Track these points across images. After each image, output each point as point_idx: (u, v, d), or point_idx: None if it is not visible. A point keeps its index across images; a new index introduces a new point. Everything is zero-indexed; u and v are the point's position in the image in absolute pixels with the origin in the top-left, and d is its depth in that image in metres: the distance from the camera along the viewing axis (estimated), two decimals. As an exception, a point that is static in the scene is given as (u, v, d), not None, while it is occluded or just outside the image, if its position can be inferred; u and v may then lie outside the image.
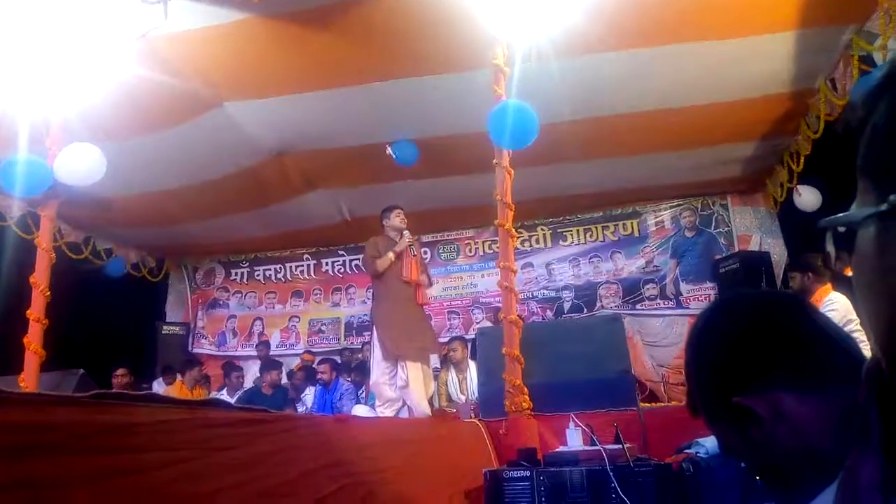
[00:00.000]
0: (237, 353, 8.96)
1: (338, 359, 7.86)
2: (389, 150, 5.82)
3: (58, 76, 4.34)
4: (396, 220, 5.16)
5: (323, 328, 8.85)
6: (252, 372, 8.21)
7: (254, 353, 8.78)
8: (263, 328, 9.06)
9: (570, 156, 6.23)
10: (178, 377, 7.27)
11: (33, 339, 4.27)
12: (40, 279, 4.37)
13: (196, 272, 9.48)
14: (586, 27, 4.20)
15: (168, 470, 0.94)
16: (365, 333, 8.34)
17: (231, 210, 7.35)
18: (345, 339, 8.71)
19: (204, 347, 9.10)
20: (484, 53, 4.17)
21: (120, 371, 6.48)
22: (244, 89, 5.10)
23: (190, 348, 8.98)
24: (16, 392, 0.73)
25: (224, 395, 7.10)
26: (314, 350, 8.60)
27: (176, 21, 4.07)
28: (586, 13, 4.07)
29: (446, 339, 7.06)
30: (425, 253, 8.51)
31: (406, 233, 5.09)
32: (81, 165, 4.49)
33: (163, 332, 8.96)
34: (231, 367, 7.79)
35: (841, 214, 0.47)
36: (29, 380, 4.21)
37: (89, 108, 4.66)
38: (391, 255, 4.98)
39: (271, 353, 8.57)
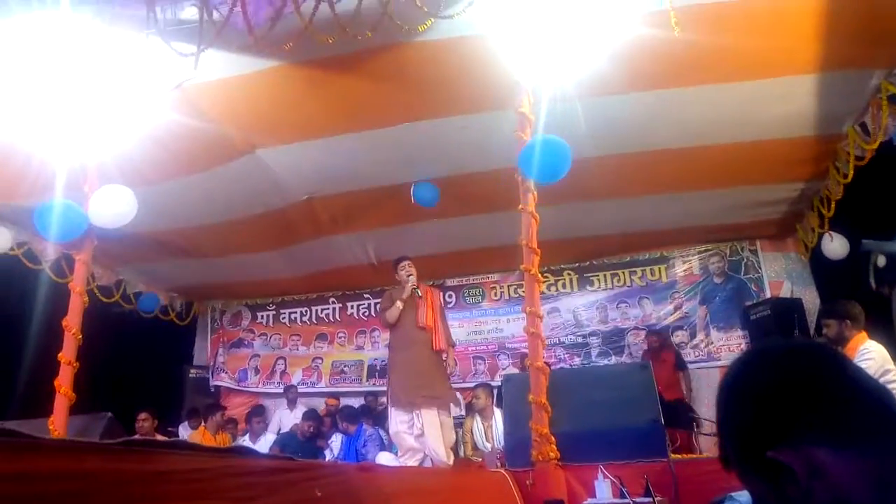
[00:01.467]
0: (257, 390, 9.02)
1: (356, 404, 7.91)
2: (411, 192, 5.92)
3: (95, 123, 4.47)
4: (402, 272, 5.23)
5: (346, 369, 8.86)
6: (276, 414, 8.21)
7: (273, 389, 8.86)
8: (286, 367, 9.08)
9: (595, 193, 6.22)
10: (202, 422, 7.29)
11: (63, 382, 4.30)
12: (73, 322, 4.42)
13: (223, 315, 9.59)
14: (610, 70, 4.24)
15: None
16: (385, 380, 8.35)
17: (259, 248, 7.46)
18: (367, 380, 8.70)
19: (224, 381, 9.16)
20: (509, 95, 4.23)
21: (142, 415, 6.49)
22: (275, 135, 5.23)
23: (210, 382, 9.10)
24: (47, 439, 0.75)
25: (247, 441, 7.11)
26: (338, 391, 8.63)
27: (208, 70, 4.20)
28: (610, 58, 4.12)
29: (472, 385, 7.01)
30: (450, 297, 8.54)
31: (411, 277, 5.12)
32: (113, 206, 4.60)
33: (190, 375, 9.04)
34: (253, 412, 7.81)
35: (886, 242, 0.47)
36: (58, 423, 4.23)
37: (125, 154, 4.80)
38: (399, 303, 5.05)
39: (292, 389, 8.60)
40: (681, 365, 7.18)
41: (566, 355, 7.95)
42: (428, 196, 5.95)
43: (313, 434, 7.14)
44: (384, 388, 8.25)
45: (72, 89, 4.18)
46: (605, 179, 5.90)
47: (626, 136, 5.31)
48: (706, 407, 6.93)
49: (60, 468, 0.74)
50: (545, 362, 3.92)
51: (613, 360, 7.70)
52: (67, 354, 4.35)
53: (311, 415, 7.37)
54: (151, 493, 0.88)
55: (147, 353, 7.83)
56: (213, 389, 9.11)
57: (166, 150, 5.01)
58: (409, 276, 5.20)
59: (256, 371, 9.17)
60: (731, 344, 7.37)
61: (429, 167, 5.79)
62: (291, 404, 8.25)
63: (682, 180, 6.05)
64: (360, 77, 4.53)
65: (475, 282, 8.66)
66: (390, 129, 5.15)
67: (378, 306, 5.35)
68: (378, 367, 8.67)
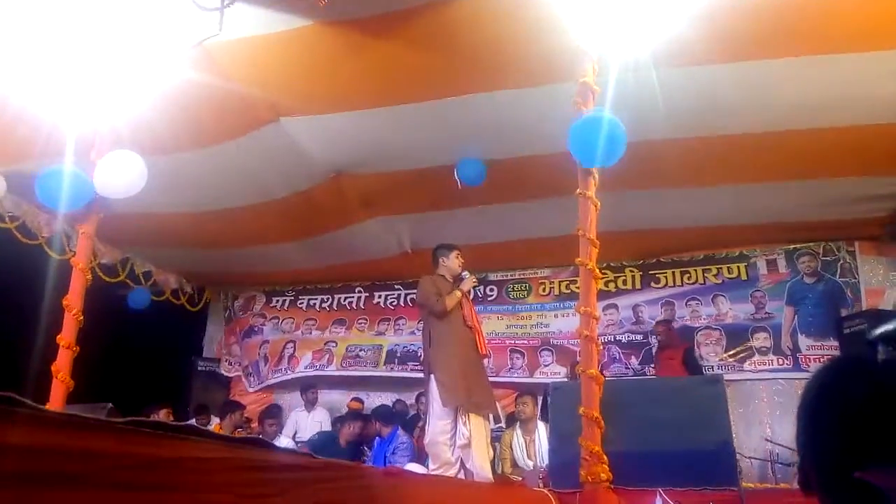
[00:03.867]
0: (268, 383, 9.22)
1: (374, 397, 8.12)
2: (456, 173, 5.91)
3: (108, 84, 4.58)
4: (455, 261, 5.25)
5: (361, 353, 8.98)
6: (292, 417, 8.35)
7: (281, 378, 9.09)
8: (294, 350, 9.26)
9: (667, 180, 6.15)
10: (217, 420, 7.45)
11: (62, 368, 4.38)
12: (74, 302, 4.50)
13: (236, 301, 9.84)
14: (693, 36, 4.18)
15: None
16: (409, 363, 8.51)
17: (281, 237, 7.59)
18: (384, 365, 8.80)
19: (236, 372, 9.50)
20: (570, 65, 4.19)
21: (163, 412, 6.68)
22: (303, 103, 5.28)
23: (220, 372, 9.44)
24: (50, 411, 0.78)
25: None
26: (350, 374, 8.84)
27: (233, 27, 4.27)
28: (694, 21, 4.05)
29: (504, 380, 7.00)
30: (491, 291, 8.60)
31: (468, 273, 5.17)
32: (121, 174, 4.70)
33: (199, 368, 9.26)
34: (267, 413, 7.95)
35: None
36: (54, 411, 4.36)
37: (137, 118, 4.90)
38: (458, 293, 5.05)
39: (298, 375, 8.82)
40: (692, 366, 6.92)
41: (622, 354, 7.89)
42: (473, 173, 5.95)
43: (358, 439, 7.18)
44: (403, 374, 8.36)
45: (83, 45, 4.29)
46: (680, 165, 5.82)
47: (707, 115, 5.21)
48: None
49: (61, 445, 0.77)
50: (600, 371, 3.90)
51: None
52: (67, 337, 4.43)
53: (356, 415, 7.44)
54: (157, 481, 0.91)
55: (154, 339, 8.01)
56: (227, 380, 9.41)
57: (183, 114, 5.10)
58: (463, 266, 5.25)
59: (266, 360, 9.35)
60: (822, 354, 7.18)
61: (475, 148, 5.79)
62: (310, 405, 8.38)
63: (770, 169, 5.92)
64: (402, 41, 4.54)
65: (521, 276, 8.68)
66: (434, 103, 5.15)
67: (418, 292, 5.28)
68: (399, 353, 8.78)
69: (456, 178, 5.93)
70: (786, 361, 7.29)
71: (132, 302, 8.05)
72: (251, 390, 9.30)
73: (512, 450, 6.06)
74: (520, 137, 5.55)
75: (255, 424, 8.08)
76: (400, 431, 6.86)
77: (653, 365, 7.56)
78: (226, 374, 9.51)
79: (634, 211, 6.53)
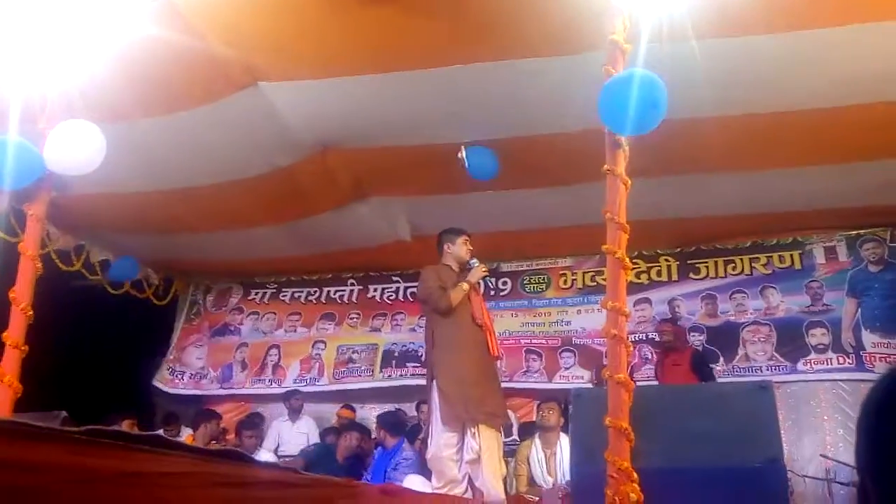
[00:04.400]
0: (243, 392, 9.23)
1: (369, 408, 8.14)
2: (462, 155, 5.87)
3: (57, 41, 4.55)
4: (463, 248, 5.24)
5: (354, 356, 8.98)
6: (273, 428, 8.38)
7: (265, 389, 9.08)
8: (279, 358, 9.26)
9: (709, 164, 6.17)
10: (189, 431, 7.49)
11: (8, 370, 4.36)
12: (22, 294, 4.47)
13: (208, 293, 9.85)
14: (737, 3, 4.17)
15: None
16: (409, 365, 8.49)
17: (260, 220, 7.59)
18: (381, 371, 8.80)
19: (180, 388, 9.29)
20: (597, 30, 4.17)
21: (126, 423, 6.72)
22: (285, 66, 5.25)
23: (155, 381, 9.26)
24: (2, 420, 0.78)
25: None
26: (345, 388, 8.79)
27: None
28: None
29: (519, 385, 6.96)
30: (504, 284, 8.60)
31: (476, 261, 5.16)
32: (76, 147, 4.67)
33: (164, 389, 9.26)
34: (245, 423, 7.98)
35: None
36: (-1, 420, 4.36)
37: (94, 83, 4.87)
38: (465, 285, 5.04)
39: (287, 388, 8.80)
40: (702, 372, 6.78)
41: (655, 354, 7.83)
42: (485, 166, 5.90)
43: (358, 453, 7.21)
44: (401, 381, 8.37)
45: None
46: (725, 146, 5.85)
47: (757, 91, 5.22)
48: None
49: (8, 457, 0.78)
50: (630, 375, 3.90)
51: (722, 362, 7.59)
52: (14, 335, 4.40)
53: (354, 425, 7.47)
54: (120, 497, 0.91)
55: (116, 338, 8.03)
56: (167, 390, 9.24)
57: (144, 77, 5.10)
58: (471, 253, 5.25)
59: (244, 366, 9.34)
60: (891, 353, 7.13)
61: (485, 124, 5.78)
62: (294, 414, 8.41)
63: (828, 150, 5.95)
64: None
65: (539, 267, 8.71)
66: (436, 70, 5.13)
67: (420, 285, 5.26)
68: (397, 354, 8.79)
69: (463, 166, 5.90)
70: (847, 360, 7.25)
71: (114, 275, 8.07)
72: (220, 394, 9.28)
73: (529, 465, 6.08)
74: (538, 113, 5.55)
75: (231, 436, 8.12)
76: (405, 444, 6.87)
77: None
78: (162, 386, 9.30)
79: (671, 197, 6.59)
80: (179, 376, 9.40)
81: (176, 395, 9.23)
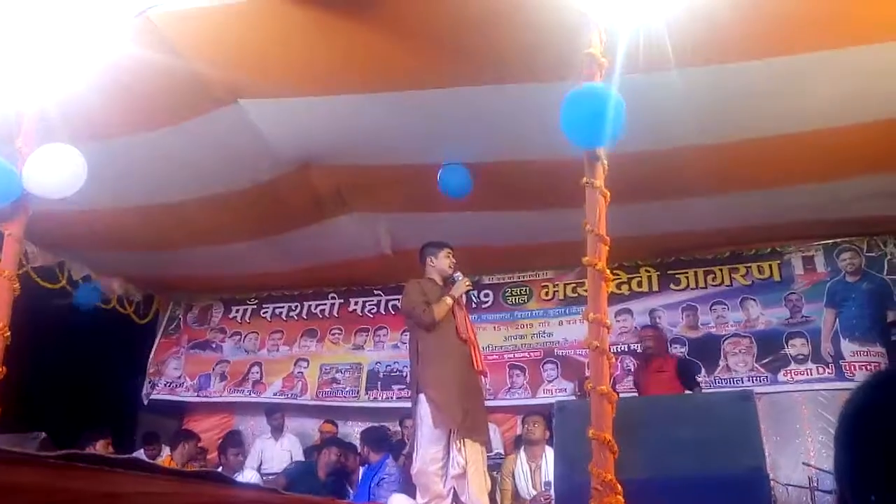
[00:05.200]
0: (221, 399, 9.22)
1: (354, 428, 8.12)
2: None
3: (37, 59, 4.54)
4: (446, 261, 5.26)
5: (338, 376, 8.95)
6: (256, 445, 8.33)
7: (244, 398, 9.08)
8: (262, 375, 9.21)
9: (689, 189, 6.30)
10: (167, 451, 7.43)
11: None
12: (0, 315, 4.50)
13: (190, 311, 9.81)
14: (715, 27, 4.21)
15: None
16: (394, 388, 8.52)
17: (241, 235, 7.57)
18: (366, 393, 8.77)
19: (154, 395, 9.34)
20: (574, 58, 4.20)
21: (100, 443, 6.66)
22: (266, 84, 5.25)
23: (144, 393, 9.26)
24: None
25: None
26: (327, 405, 8.76)
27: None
28: (715, 13, 4.09)
29: (506, 403, 6.93)
30: (486, 296, 8.62)
31: (460, 274, 5.17)
32: (56, 172, 4.65)
33: (144, 401, 9.21)
34: (229, 441, 7.94)
35: None
36: (-22, 442, 4.33)
37: (72, 100, 4.85)
38: (448, 300, 5.04)
39: (264, 400, 8.80)
40: (687, 379, 6.73)
41: (635, 363, 7.82)
42: (456, 184, 5.95)
43: (340, 468, 7.16)
44: (386, 404, 8.35)
45: (4, 14, 4.25)
46: (704, 173, 5.96)
47: (735, 117, 5.30)
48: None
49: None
50: (613, 387, 3.90)
51: (703, 374, 7.61)
52: (-7, 356, 4.41)
53: (334, 441, 7.43)
54: (98, 518, 0.90)
55: (96, 358, 7.96)
56: (145, 403, 9.26)
57: (124, 95, 5.07)
58: (454, 266, 5.25)
59: (223, 377, 9.31)
60: (869, 361, 7.21)
61: (463, 148, 5.83)
62: (276, 432, 8.38)
63: (807, 170, 6.04)
64: (380, 19, 4.51)
65: (521, 280, 8.73)
66: (417, 93, 5.15)
67: (403, 299, 5.26)
68: (381, 375, 8.77)
69: (439, 184, 5.94)
70: (827, 370, 7.31)
71: (79, 301, 8.02)
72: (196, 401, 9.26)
73: (514, 479, 6.06)
74: (514, 138, 5.59)
75: (212, 454, 8.07)
76: (390, 460, 6.85)
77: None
78: (154, 393, 9.36)
79: (651, 220, 6.71)
80: (156, 386, 9.40)
81: (156, 410, 9.22)
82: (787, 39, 4.53)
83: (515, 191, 6.30)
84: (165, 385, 9.40)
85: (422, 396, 4.97)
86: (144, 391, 9.32)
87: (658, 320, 8.04)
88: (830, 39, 4.54)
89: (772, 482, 4.82)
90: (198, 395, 9.30)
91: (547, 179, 5.52)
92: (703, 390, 6.95)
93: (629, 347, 8.01)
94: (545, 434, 6.11)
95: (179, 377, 9.43)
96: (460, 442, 4.81)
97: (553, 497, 5.53)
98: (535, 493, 5.86)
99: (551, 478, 5.65)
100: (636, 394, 7.08)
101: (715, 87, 4.91)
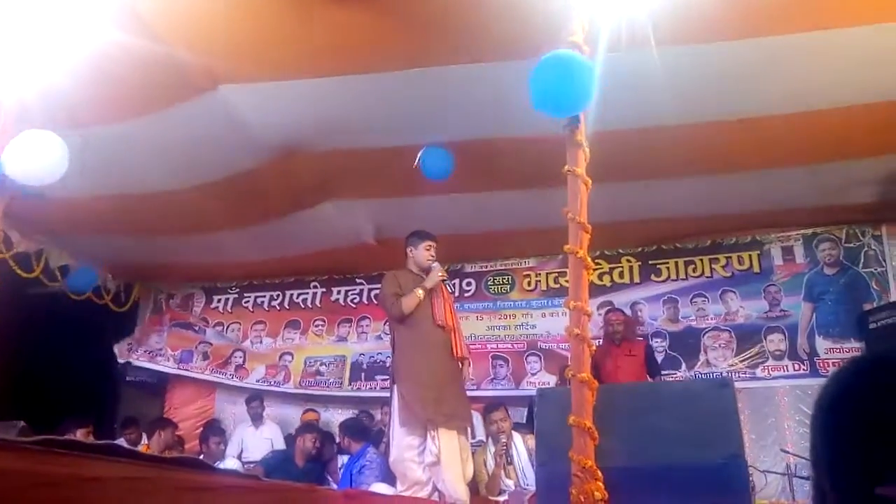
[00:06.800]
0: (203, 376, 9.24)
1: (338, 418, 8.13)
2: (418, 157, 5.89)
3: (14, 47, 4.50)
4: (424, 254, 5.28)
5: (322, 368, 8.95)
6: (237, 433, 8.32)
7: (225, 381, 9.12)
8: (244, 361, 9.21)
9: (671, 170, 6.27)
10: (145, 439, 7.41)
11: None
12: (-23, 303, 4.48)
13: (171, 300, 9.76)
14: (699, 7, 4.22)
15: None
16: (378, 378, 8.51)
17: (222, 223, 7.53)
18: (350, 384, 8.78)
19: (134, 360, 9.35)
20: (556, 33, 4.20)
21: (80, 431, 6.63)
22: (245, 68, 5.21)
23: (122, 366, 9.27)
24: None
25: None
26: (310, 393, 8.79)
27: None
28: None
29: (487, 393, 6.96)
30: (468, 285, 8.62)
31: (436, 265, 5.18)
32: (37, 159, 4.63)
33: (128, 378, 9.18)
34: (210, 430, 7.93)
35: None
36: (-45, 431, 4.30)
37: (51, 88, 4.82)
38: (420, 291, 5.07)
39: (247, 386, 8.83)
40: (653, 367, 6.90)
41: (599, 350, 7.84)
42: (438, 166, 5.93)
43: (317, 455, 7.17)
44: (370, 393, 8.36)
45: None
46: (685, 152, 5.93)
47: (715, 98, 5.31)
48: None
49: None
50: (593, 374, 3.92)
51: (684, 368, 7.70)
52: (-30, 344, 4.40)
53: (311, 427, 7.41)
54: (78, 498, 0.90)
55: (75, 346, 7.93)
56: (126, 379, 9.29)
57: (102, 81, 5.03)
58: (432, 259, 5.27)
59: (205, 356, 9.33)
60: (842, 357, 7.25)
61: (446, 127, 5.80)
62: (257, 420, 8.35)
63: (787, 153, 6.06)
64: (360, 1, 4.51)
65: (503, 268, 8.73)
66: (397, 73, 5.14)
67: (378, 292, 5.31)
68: (365, 366, 8.78)
69: (418, 166, 5.92)
70: (802, 367, 7.40)
71: (72, 287, 8.01)
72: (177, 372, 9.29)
73: (486, 469, 6.07)
74: (497, 116, 5.56)
75: (193, 443, 8.05)
76: (370, 448, 6.88)
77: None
78: (120, 359, 9.34)
79: (632, 202, 6.68)
80: (136, 350, 9.42)
81: (137, 387, 9.29)
82: (771, 20, 4.54)
83: (498, 169, 6.28)
84: (146, 352, 9.40)
85: (395, 388, 5.05)
86: (119, 350, 9.32)
87: (640, 314, 8.08)
88: (814, 21, 4.56)
89: (750, 469, 4.84)
90: (178, 367, 9.31)
91: (529, 157, 5.51)
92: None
93: (612, 341, 7.95)
94: (510, 424, 6.18)
95: (161, 349, 9.45)
96: (434, 430, 4.84)
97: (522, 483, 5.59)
98: (510, 482, 5.87)
99: (524, 464, 5.71)
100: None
101: (696, 67, 4.91)
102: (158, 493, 1.04)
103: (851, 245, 7.61)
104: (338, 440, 7.46)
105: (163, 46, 4.82)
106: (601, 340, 7.25)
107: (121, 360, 9.28)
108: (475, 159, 5.97)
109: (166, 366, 9.32)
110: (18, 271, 7.03)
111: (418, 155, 5.91)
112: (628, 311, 8.01)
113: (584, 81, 3.81)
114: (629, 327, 7.27)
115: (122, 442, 7.52)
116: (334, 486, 6.73)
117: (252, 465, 7.35)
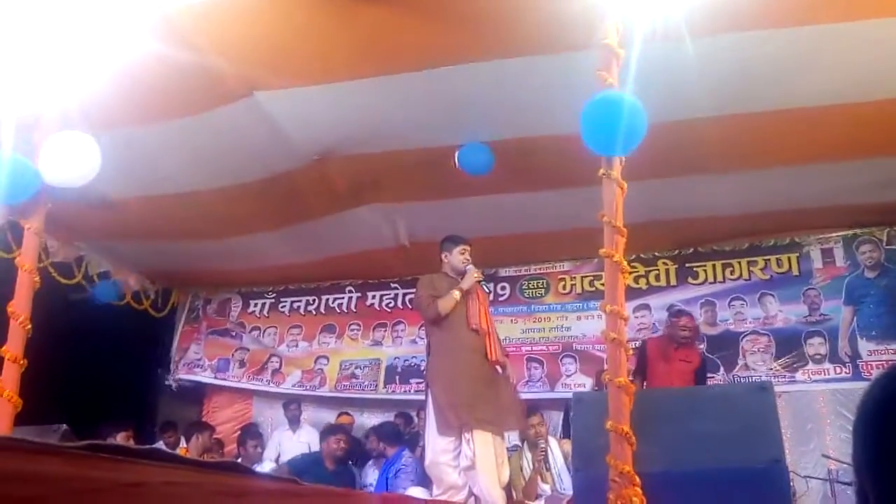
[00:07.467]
0: (241, 385, 9.32)
1: (372, 421, 8.14)
2: (456, 157, 5.90)
3: (53, 56, 4.56)
4: (459, 258, 5.28)
5: (357, 371, 8.98)
6: (274, 437, 8.38)
7: (262, 388, 9.17)
8: (281, 365, 9.27)
9: (707, 165, 6.19)
10: (183, 442, 7.49)
11: (8, 384, 4.36)
12: (20, 308, 4.48)
13: (208, 304, 9.89)
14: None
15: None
16: (412, 381, 8.51)
17: (258, 226, 7.60)
18: (385, 387, 8.80)
19: (181, 373, 9.47)
20: (591, 28, 4.18)
21: (121, 435, 6.75)
22: (280, 75, 5.26)
23: (170, 380, 9.39)
24: (-4, 434, 0.79)
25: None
26: (346, 396, 8.83)
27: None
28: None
29: (525, 396, 7.01)
30: (503, 289, 8.60)
31: (471, 267, 5.18)
32: (70, 157, 4.68)
33: (165, 381, 9.30)
34: (247, 433, 8.00)
35: None
36: None
37: (89, 95, 4.88)
38: (456, 293, 5.07)
39: (283, 391, 8.86)
40: (702, 379, 6.66)
41: (654, 348, 7.77)
42: (477, 161, 5.93)
43: (345, 456, 7.19)
44: (405, 396, 8.39)
45: (24, 13, 4.27)
46: (722, 146, 5.86)
47: (753, 89, 5.23)
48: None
49: (11, 469, 0.78)
50: (630, 378, 3.89)
51: (722, 371, 7.61)
52: (13, 349, 4.41)
53: (337, 428, 7.44)
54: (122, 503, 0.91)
55: (115, 351, 8.03)
56: (173, 388, 9.38)
57: (140, 90, 5.11)
58: (467, 262, 5.28)
59: (242, 364, 9.40)
60: (887, 359, 7.15)
61: (481, 127, 5.79)
62: (294, 424, 8.42)
63: (827, 147, 5.94)
64: (390, 3, 4.53)
65: (538, 272, 8.70)
66: (429, 72, 5.13)
67: (414, 295, 5.33)
68: (399, 369, 8.79)
69: (456, 165, 5.92)
70: (844, 370, 7.29)
71: (98, 297, 8.09)
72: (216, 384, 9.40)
73: (523, 474, 6.05)
74: (532, 113, 5.54)
75: (231, 447, 8.12)
76: (406, 452, 6.89)
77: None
78: (179, 374, 9.50)
79: (668, 200, 6.61)
80: (177, 372, 9.55)
81: (176, 396, 9.37)
82: (811, 8, 4.47)
83: (533, 169, 6.24)
84: (185, 365, 9.52)
85: (430, 391, 5.06)
86: (171, 375, 9.46)
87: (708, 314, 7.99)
88: (856, 10, 4.49)
89: (791, 474, 4.78)
90: (216, 377, 9.40)
91: (564, 155, 5.42)
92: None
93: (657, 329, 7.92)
94: (547, 430, 6.17)
95: (199, 359, 9.54)
96: (469, 433, 4.83)
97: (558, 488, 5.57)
98: (546, 486, 5.86)
99: (559, 468, 5.69)
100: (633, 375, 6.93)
101: (732, 57, 4.85)
102: (201, 497, 1.05)
103: (893, 247, 7.48)
104: (368, 444, 7.46)
105: (198, 55, 4.88)
106: (645, 341, 7.22)
107: (167, 382, 9.42)
108: (510, 158, 5.96)
109: (204, 376, 9.43)
110: (59, 278, 7.15)
111: (455, 153, 5.92)
112: (664, 315, 7.83)
113: (638, 124, 3.79)
114: (696, 333, 7.07)
115: (160, 445, 7.64)
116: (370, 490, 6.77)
117: (276, 467, 7.36)
